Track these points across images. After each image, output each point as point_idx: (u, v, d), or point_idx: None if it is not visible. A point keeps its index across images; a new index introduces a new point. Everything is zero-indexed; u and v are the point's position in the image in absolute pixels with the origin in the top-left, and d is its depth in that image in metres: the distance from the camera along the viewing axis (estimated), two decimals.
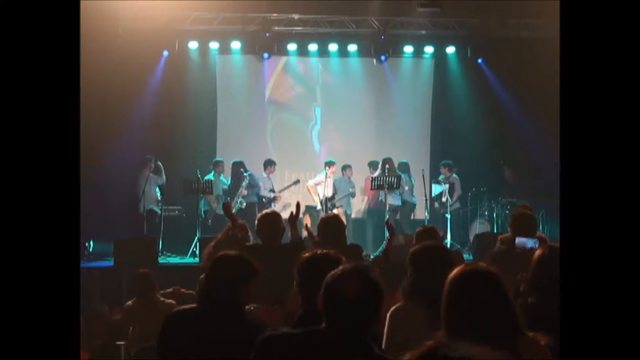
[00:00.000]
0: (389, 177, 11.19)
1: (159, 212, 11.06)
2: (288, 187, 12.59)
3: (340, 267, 2.51)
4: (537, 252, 3.54)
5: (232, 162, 11.77)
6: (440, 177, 11.92)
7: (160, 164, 11.26)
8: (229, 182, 11.74)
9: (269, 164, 11.99)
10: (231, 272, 3.22)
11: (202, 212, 11.40)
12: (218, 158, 11.84)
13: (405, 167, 11.88)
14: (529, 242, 4.88)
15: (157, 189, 11.28)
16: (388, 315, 3.45)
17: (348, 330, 2.39)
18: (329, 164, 11.82)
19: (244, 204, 11.58)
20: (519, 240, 5.02)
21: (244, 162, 11.72)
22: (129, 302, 6.10)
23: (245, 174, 11.56)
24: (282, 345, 2.48)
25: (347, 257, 3.21)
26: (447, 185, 11.68)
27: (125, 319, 5.92)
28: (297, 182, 12.60)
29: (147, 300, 5.86)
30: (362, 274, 2.45)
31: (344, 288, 2.40)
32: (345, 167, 11.95)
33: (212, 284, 3.26)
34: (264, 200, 11.93)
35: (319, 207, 11.86)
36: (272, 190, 12.01)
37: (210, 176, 11.36)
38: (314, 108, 13.38)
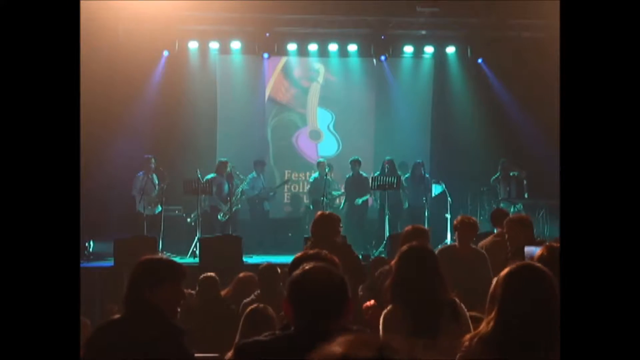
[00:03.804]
0: (389, 177, 11.21)
1: (157, 212, 11.03)
2: (278, 186, 12.64)
3: (299, 268, 2.52)
4: (537, 254, 3.55)
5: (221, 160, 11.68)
6: (497, 175, 11.80)
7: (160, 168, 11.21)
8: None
9: (259, 164, 12.04)
10: (156, 274, 3.09)
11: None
12: (222, 158, 11.70)
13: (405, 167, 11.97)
14: (537, 250, 4.87)
15: (156, 190, 11.17)
16: (381, 318, 3.47)
17: (316, 330, 2.37)
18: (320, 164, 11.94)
19: (239, 205, 11.58)
20: (528, 249, 5.00)
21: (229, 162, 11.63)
22: None
23: (242, 176, 11.55)
24: (255, 353, 2.48)
25: (337, 256, 3.22)
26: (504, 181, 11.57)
27: None
28: (286, 182, 12.71)
29: None
30: (322, 272, 2.47)
31: (306, 288, 2.42)
32: (318, 163, 12.03)
33: (134, 287, 3.10)
34: (256, 200, 11.96)
35: (311, 207, 11.99)
36: (264, 189, 12.02)
37: (210, 176, 11.26)
38: (314, 108, 13.39)
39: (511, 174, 11.67)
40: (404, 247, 3.75)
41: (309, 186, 12.44)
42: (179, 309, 3.13)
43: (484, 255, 6.05)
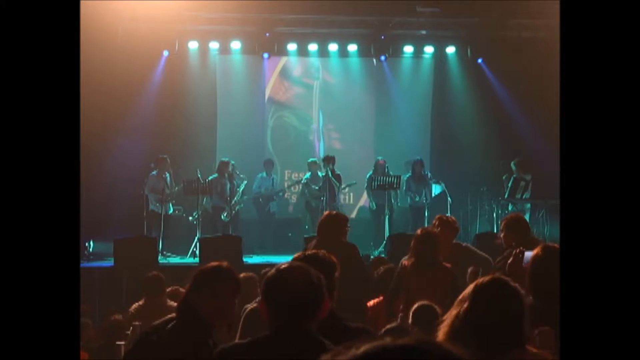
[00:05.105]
0: (389, 177, 11.18)
1: (170, 212, 11.01)
2: (290, 186, 12.63)
3: (274, 268, 2.50)
4: (533, 254, 3.55)
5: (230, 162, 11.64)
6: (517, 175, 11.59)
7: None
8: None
9: (269, 164, 12.06)
10: (195, 279, 3.07)
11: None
12: (223, 158, 11.62)
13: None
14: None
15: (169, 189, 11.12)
16: None
17: (290, 330, 2.38)
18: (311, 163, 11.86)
19: (242, 204, 11.58)
20: (527, 254, 5.01)
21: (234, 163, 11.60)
22: (140, 303, 6.11)
23: (241, 175, 11.53)
24: (234, 357, 2.48)
25: (342, 256, 3.22)
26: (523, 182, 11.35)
27: (131, 319, 5.92)
28: (299, 181, 12.63)
29: (156, 303, 5.86)
30: (297, 271, 2.45)
31: (279, 288, 2.40)
32: (310, 163, 11.96)
33: (193, 298, 3.06)
34: (260, 200, 11.96)
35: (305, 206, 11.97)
36: (272, 189, 12.02)
37: (213, 176, 11.23)
38: (314, 108, 13.39)
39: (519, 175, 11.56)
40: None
41: (300, 187, 12.39)
42: (223, 318, 3.06)
43: (466, 247, 6.27)
